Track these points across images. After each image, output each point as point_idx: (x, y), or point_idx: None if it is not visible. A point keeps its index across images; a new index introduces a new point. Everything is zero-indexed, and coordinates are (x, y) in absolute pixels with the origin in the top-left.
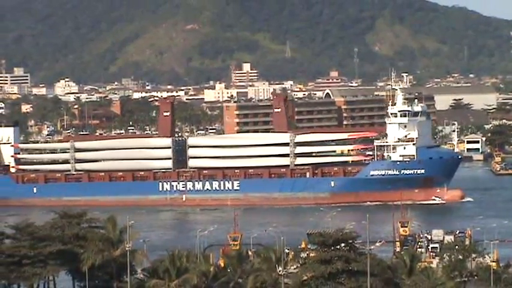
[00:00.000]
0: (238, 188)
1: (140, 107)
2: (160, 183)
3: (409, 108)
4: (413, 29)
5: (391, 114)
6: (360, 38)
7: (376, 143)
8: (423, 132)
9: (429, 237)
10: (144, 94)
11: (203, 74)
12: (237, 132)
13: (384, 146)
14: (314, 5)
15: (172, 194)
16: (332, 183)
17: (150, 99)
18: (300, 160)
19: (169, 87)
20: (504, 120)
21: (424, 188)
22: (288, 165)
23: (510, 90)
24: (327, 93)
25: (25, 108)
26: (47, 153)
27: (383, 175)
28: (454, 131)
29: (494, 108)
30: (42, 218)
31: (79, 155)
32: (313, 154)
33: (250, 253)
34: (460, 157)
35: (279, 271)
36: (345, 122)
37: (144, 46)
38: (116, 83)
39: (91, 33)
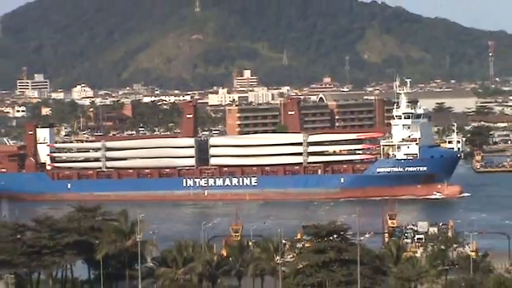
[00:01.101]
0: (255, 184)
1: (150, 110)
2: (184, 180)
3: (412, 111)
4: (399, 38)
5: (396, 116)
6: (350, 47)
7: (382, 142)
8: (425, 132)
9: (415, 228)
10: (153, 98)
11: (207, 80)
12: (238, 133)
13: (389, 145)
14: (309, 16)
15: (195, 190)
16: (342, 180)
17: (158, 103)
18: (312, 158)
19: (176, 92)
20: (482, 122)
21: (426, 184)
22: (301, 163)
23: (488, 95)
24: (321, 97)
25: (45, 111)
26: (80, 152)
27: (388, 172)
28: (453, 131)
29: (473, 111)
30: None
31: (109, 154)
32: (324, 153)
33: (250, 243)
34: (459, 155)
35: (277, 260)
36: (336, 124)
37: (154, 54)
38: (127, 88)
39: (105, 43)
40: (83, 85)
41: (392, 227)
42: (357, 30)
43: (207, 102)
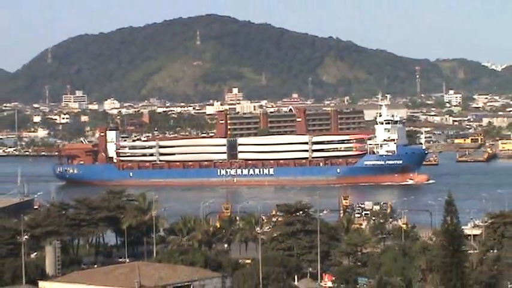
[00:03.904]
0: (273, 173)
1: (162, 118)
2: (218, 170)
3: (391, 118)
4: (350, 64)
5: (379, 122)
6: (313, 71)
7: (369, 142)
8: (400, 135)
9: (363, 206)
10: (164, 109)
11: (205, 95)
12: (229, 137)
13: (374, 144)
14: (282, 48)
15: (227, 177)
16: (338, 170)
17: (168, 113)
18: (315, 154)
19: (182, 104)
20: (412, 127)
21: (401, 173)
22: (307, 158)
23: (415, 107)
24: (290, 108)
25: (83, 118)
26: (139, 149)
27: (373, 164)
28: (422, 133)
29: (405, 119)
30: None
31: (161, 150)
32: (325, 150)
33: (237, 218)
34: (426, 152)
35: (257, 230)
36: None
37: (165, 76)
38: (145, 101)
39: (128, 67)
40: (112, 99)
41: (346, 205)
42: (317, 58)
43: (205, 112)
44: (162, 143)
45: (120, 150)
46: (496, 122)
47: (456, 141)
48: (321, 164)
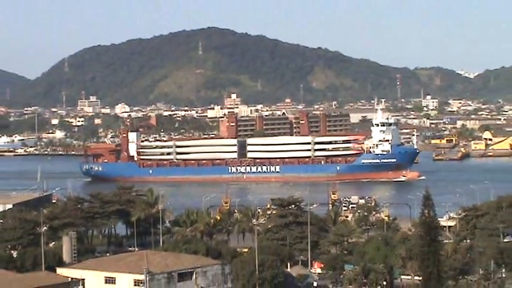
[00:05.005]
0: (279, 170)
1: (168, 120)
2: (229, 167)
3: (386, 120)
4: (337, 72)
5: (375, 124)
6: (304, 78)
7: (366, 142)
8: (394, 135)
9: (349, 200)
10: (170, 112)
11: (207, 100)
12: (228, 138)
13: (370, 144)
14: (275, 58)
15: (237, 174)
16: (338, 167)
17: (174, 116)
18: (317, 153)
19: (186, 108)
20: None
21: (395, 170)
22: (310, 156)
23: (396, 111)
24: (283, 112)
25: (96, 121)
26: (158, 148)
27: (370, 162)
28: (413, 135)
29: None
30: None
31: (178, 150)
32: (326, 149)
33: (236, 211)
34: (418, 151)
35: (253, 222)
36: (294, 131)
37: (170, 83)
38: (153, 106)
39: (138, 75)
40: (122, 103)
41: (334, 199)
42: (308, 67)
43: (207, 115)
44: (178, 143)
45: (140, 150)
46: (469, 125)
47: (433, 141)
48: (322, 162)
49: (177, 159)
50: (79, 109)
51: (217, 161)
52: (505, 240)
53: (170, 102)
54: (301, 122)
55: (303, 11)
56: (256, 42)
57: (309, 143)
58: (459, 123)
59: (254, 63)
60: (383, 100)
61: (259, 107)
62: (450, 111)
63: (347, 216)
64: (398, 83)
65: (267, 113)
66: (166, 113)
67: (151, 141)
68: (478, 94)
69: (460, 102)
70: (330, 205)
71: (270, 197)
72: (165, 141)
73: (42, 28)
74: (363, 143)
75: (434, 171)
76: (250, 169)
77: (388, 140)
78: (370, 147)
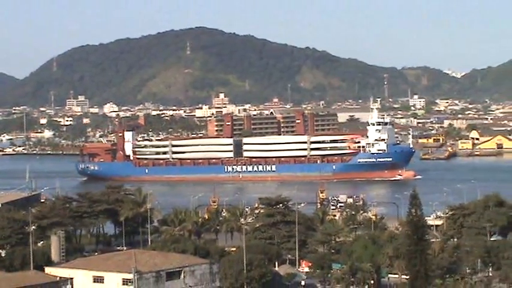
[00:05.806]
0: (275, 169)
1: (156, 120)
2: (225, 167)
3: (382, 120)
4: (324, 72)
5: (371, 123)
6: (291, 78)
7: (362, 141)
8: (390, 135)
9: (337, 199)
10: (158, 112)
11: (195, 100)
12: (216, 137)
13: (366, 143)
14: (263, 58)
15: (233, 174)
16: (334, 167)
17: (162, 116)
18: (313, 152)
19: (174, 107)
20: None
21: (391, 169)
22: (306, 155)
23: (384, 110)
24: (271, 111)
25: (85, 121)
26: (154, 148)
27: (366, 162)
28: (409, 134)
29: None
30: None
31: (174, 149)
32: (322, 148)
33: (224, 210)
34: (413, 150)
35: (241, 221)
36: (282, 130)
37: (159, 82)
38: (141, 105)
39: (126, 74)
40: (111, 103)
41: (322, 198)
42: (296, 67)
43: (195, 115)
44: (174, 142)
45: (136, 149)
46: (456, 124)
47: (420, 141)
48: (319, 161)
49: (173, 158)
50: (67, 109)
51: (213, 160)
52: (492, 239)
53: (158, 102)
54: (297, 121)
55: (291, 11)
56: (244, 42)
57: (305, 142)
58: (446, 123)
59: (242, 63)
60: (371, 99)
61: (247, 106)
62: (437, 110)
63: (335, 215)
64: (385, 83)
65: (255, 113)
66: (154, 113)
67: (145, 139)
68: (465, 94)
69: (447, 102)
70: (318, 204)
71: (258, 196)
72: (161, 140)
73: (31, 28)
74: (360, 142)
75: (422, 170)
76: (246, 168)
77: (384, 139)
78: (366, 147)
